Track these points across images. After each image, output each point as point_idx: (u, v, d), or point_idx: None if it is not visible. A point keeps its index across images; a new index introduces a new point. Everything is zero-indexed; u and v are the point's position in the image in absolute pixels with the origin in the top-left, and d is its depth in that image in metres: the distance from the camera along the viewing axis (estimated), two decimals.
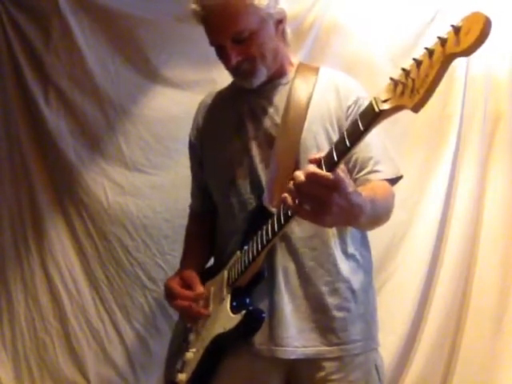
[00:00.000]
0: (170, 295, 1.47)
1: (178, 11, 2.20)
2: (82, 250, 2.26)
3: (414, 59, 0.81)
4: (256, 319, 1.28)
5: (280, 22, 1.36)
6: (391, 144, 1.41)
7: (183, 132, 2.18)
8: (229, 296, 1.33)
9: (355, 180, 1.31)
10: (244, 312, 1.27)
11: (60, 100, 2.26)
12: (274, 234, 1.18)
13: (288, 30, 1.41)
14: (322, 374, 1.31)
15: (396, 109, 0.85)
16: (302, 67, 1.44)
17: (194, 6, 1.32)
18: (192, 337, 1.45)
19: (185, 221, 2.13)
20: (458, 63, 2.01)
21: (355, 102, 1.36)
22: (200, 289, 1.43)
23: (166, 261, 2.20)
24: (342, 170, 0.98)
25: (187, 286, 1.45)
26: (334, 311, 1.32)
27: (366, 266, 1.41)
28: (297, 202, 0.97)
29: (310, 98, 1.36)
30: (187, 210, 2.15)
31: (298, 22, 2.11)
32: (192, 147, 1.59)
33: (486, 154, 2.04)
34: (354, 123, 0.92)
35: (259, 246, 1.23)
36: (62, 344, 2.24)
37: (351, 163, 1.32)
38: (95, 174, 2.25)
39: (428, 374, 2.02)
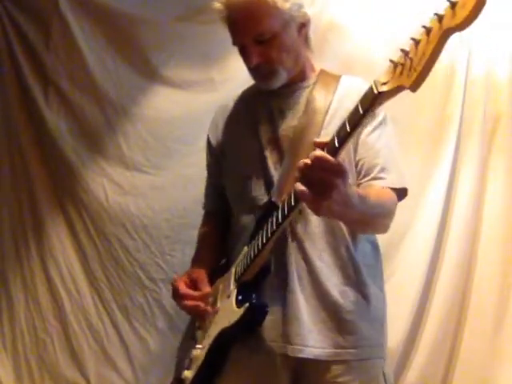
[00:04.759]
0: (176, 295, 1.46)
1: (178, 11, 2.21)
2: (82, 250, 2.26)
3: (412, 39, 0.80)
4: (259, 312, 1.28)
5: (303, 25, 1.37)
6: None
7: (183, 132, 2.21)
8: (235, 291, 1.34)
9: (359, 185, 1.31)
10: (247, 305, 1.27)
11: (60, 100, 2.26)
12: (278, 225, 1.19)
13: (311, 35, 1.41)
14: (329, 376, 1.31)
15: (395, 90, 0.85)
16: (324, 74, 1.45)
17: (217, 5, 1.34)
18: (199, 334, 1.46)
19: (185, 221, 2.15)
20: (459, 64, 2.01)
21: None
22: (207, 289, 1.42)
23: (166, 261, 2.19)
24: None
25: (194, 285, 1.45)
26: (343, 314, 1.32)
27: (376, 273, 1.41)
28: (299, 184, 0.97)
29: (329, 104, 1.36)
30: (187, 210, 2.15)
31: None
32: (210, 146, 1.58)
33: (486, 154, 2.04)
34: (355, 108, 0.93)
35: (264, 238, 1.24)
36: (62, 344, 2.24)
37: (358, 168, 1.32)
38: (95, 174, 2.25)
39: (428, 373, 2.02)
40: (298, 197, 1.01)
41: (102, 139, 2.26)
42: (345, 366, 1.31)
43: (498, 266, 1.99)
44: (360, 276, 1.35)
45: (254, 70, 1.37)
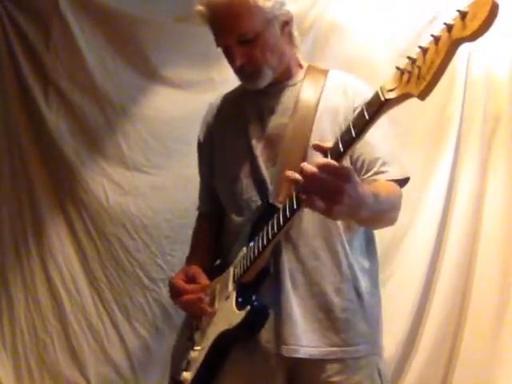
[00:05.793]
0: (174, 293, 1.46)
1: (178, 11, 2.21)
2: (81, 250, 2.26)
3: (419, 47, 0.80)
4: (261, 315, 1.27)
5: (286, 23, 1.37)
6: None
7: (183, 132, 2.21)
8: (234, 292, 1.33)
9: (362, 181, 1.30)
10: (249, 308, 1.26)
11: (60, 100, 2.26)
12: (279, 228, 1.18)
13: (296, 32, 1.41)
14: (324, 375, 1.31)
15: (402, 97, 0.85)
16: (312, 69, 1.45)
17: (199, 8, 1.33)
18: (197, 335, 1.45)
19: (185, 221, 2.15)
20: (459, 64, 2.01)
21: None
22: (205, 281, 1.42)
23: (166, 261, 2.20)
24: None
25: (192, 281, 1.44)
26: (337, 312, 1.32)
27: (371, 271, 1.41)
28: (304, 194, 0.97)
29: (318, 99, 1.36)
30: (187, 210, 2.15)
31: (297, 23, 2.10)
32: (200, 147, 1.59)
33: (486, 154, 2.04)
34: (360, 113, 0.92)
35: (265, 240, 1.23)
36: (62, 344, 2.24)
37: (359, 164, 1.32)
38: (95, 174, 2.25)
39: (428, 374, 2.02)
40: (309, 207, 0.99)
41: (101, 139, 2.26)
42: (340, 364, 1.31)
43: (497, 266, 1.99)
44: (354, 273, 1.34)
45: (239, 71, 1.37)
